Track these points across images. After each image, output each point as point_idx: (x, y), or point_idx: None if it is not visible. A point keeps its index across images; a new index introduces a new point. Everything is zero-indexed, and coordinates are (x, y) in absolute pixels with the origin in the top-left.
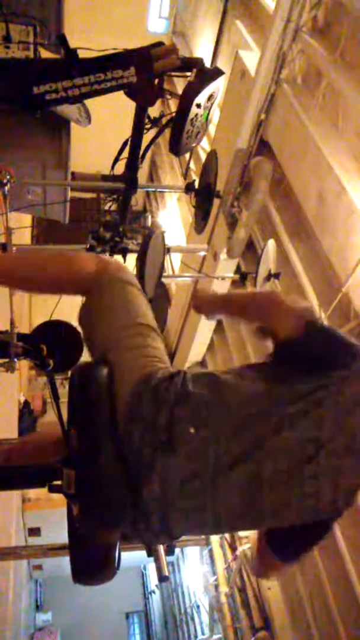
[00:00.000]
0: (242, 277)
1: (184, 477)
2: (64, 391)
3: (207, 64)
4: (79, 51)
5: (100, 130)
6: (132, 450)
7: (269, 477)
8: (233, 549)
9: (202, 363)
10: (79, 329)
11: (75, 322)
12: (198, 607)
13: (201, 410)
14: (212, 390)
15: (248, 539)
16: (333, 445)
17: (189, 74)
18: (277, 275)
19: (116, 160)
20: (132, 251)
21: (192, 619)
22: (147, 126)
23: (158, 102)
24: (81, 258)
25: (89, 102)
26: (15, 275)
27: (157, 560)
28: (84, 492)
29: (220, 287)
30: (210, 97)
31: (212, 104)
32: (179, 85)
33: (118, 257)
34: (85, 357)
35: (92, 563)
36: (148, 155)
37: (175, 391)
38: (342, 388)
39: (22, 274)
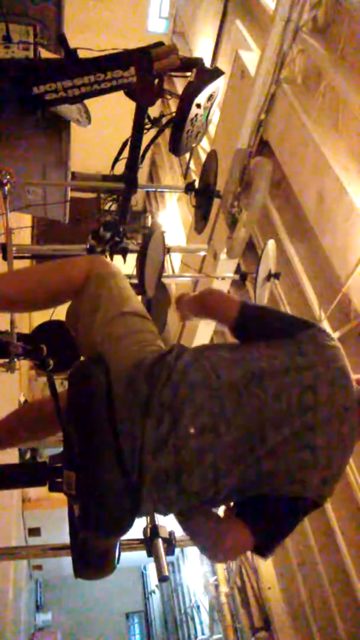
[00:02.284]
0: (242, 277)
1: (185, 460)
2: (63, 389)
3: (207, 64)
4: (79, 51)
5: (100, 130)
6: (135, 437)
7: (267, 450)
8: None
9: None
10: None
11: None
12: (198, 607)
13: (196, 391)
14: (205, 372)
15: None
16: (325, 415)
17: (189, 74)
18: (277, 275)
19: (116, 160)
20: (132, 251)
21: (192, 619)
22: (147, 126)
23: (158, 102)
24: (66, 265)
25: (89, 102)
26: (6, 298)
27: (157, 560)
28: (85, 506)
29: (220, 287)
30: (210, 97)
31: (212, 104)
32: (179, 85)
33: (118, 257)
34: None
35: (93, 559)
36: (148, 155)
37: (169, 369)
38: (317, 357)
39: (13, 296)
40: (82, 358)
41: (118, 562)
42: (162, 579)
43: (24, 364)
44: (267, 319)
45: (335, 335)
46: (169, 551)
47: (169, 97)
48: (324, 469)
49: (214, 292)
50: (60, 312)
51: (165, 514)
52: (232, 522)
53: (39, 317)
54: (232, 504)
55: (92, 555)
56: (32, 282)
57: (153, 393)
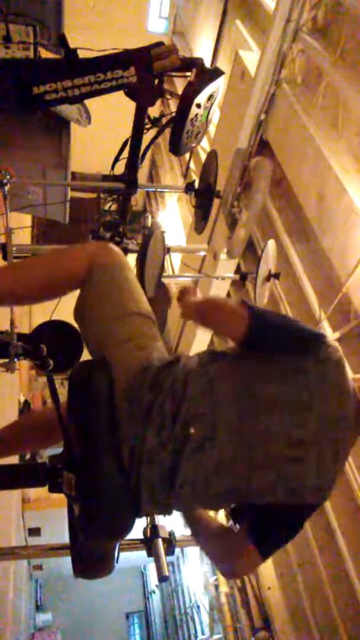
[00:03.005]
0: (242, 277)
1: (181, 469)
2: (64, 391)
3: (207, 64)
4: (79, 51)
5: (100, 130)
6: (136, 443)
7: (260, 462)
8: None
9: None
10: (76, 324)
11: (75, 323)
12: (198, 607)
13: (200, 396)
14: (209, 376)
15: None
16: (318, 429)
17: (189, 74)
18: (277, 275)
19: (116, 160)
20: (132, 251)
21: (192, 619)
22: (147, 126)
23: (158, 102)
24: (67, 255)
25: (89, 102)
26: (6, 292)
27: (157, 560)
28: (85, 508)
29: (220, 287)
30: (210, 97)
31: (212, 104)
32: (179, 85)
33: None
34: (85, 357)
35: (92, 559)
36: (148, 155)
37: (174, 378)
38: (318, 374)
39: (12, 288)
40: (85, 348)
41: (117, 562)
42: (162, 579)
43: (24, 364)
44: (276, 336)
45: (335, 335)
46: (169, 551)
47: (169, 97)
48: (317, 479)
49: (218, 305)
50: (60, 313)
51: (165, 515)
52: (241, 543)
53: (39, 317)
54: (232, 506)
55: (91, 556)
56: (33, 276)
57: (155, 402)
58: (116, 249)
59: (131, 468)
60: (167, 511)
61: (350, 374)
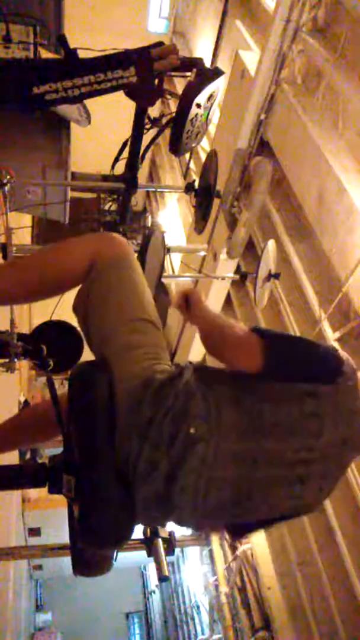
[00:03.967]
0: (242, 277)
1: (182, 482)
2: (64, 391)
3: (207, 64)
4: (79, 51)
5: (100, 130)
6: (130, 456)
7: (260, 480)
8: (233, 549)
9: (202, 363)
10: (75, 319)
11: (75, 323)
12: (198, 607)
13: (201, 416)
14: (212, 396)
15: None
16: (325, 452)
17: (189, 74)
18: (277, 275)
19: (116, 160)
20: None
21: (192, 619)
22: (147, 126)
23: (158, 102)
24: (66, 251)
25: (89, 102)
26: (5, 293)
27: (157, 560)
28: (84, 515)
29: (220, 287)
30: (210, 97)
31: (212, 104)
32: (179, 85)
33: None
34: (85, 357)
35: (92, 559)
36: (148, 155)
37: (175, 396)
38: (334, 399)
39: (8, 288)
40: (85, 348)
41: (115, 560)
42: (162, 579)
43: (24, 364)
44: (295, 368)
45: (335, 335)
46: (169, 551)
47: (169, 97)
48: (317, 496)
49: (224, 339)
50: (60, 313)
51: (161, 525)
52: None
53: (39, 317)
54: None
55: (91, 556)
56: (31, 275)
57: (155, 418)
58: (121, 239)
59: (127, 479)
60: (161, 524)
61: None
